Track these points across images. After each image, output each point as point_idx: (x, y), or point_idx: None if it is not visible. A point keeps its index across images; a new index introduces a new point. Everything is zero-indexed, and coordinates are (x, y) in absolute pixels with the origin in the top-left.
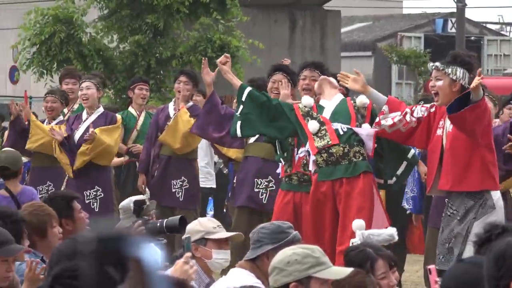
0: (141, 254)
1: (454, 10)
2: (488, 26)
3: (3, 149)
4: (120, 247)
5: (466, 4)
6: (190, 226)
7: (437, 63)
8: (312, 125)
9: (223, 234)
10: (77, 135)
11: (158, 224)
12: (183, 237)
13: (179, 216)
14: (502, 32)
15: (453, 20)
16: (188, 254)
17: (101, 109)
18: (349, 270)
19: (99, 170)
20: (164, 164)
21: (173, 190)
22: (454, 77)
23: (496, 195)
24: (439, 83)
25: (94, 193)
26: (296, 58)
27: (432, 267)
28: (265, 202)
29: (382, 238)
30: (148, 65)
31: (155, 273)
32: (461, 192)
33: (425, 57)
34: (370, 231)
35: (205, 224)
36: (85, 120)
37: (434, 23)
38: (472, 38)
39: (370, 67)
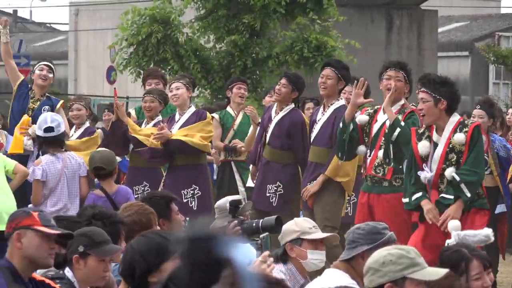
0: (235, 254)
1: None
2: None
3: (98, 149)
4: (212, 247)
5: None
6: (286, 226)
7: None
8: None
9: (319, 234)
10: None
11: (254, 224)
12: (261, 235)
13: (275, 216)
14: None
15: None
16: (266, 252)
17: (192, 109)
18: (444, 271)
19: (197, 168)
20: (262, 167)
21: (268, 195)
22: None
23: None
24: None
25: (192, 191)
26: (392, 58)
27: None
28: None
29: (477, 239)
30: (244, 65)
31: (249, 273)
32: None
33: None
34: (466, 232)
35: (301, 224)
36: (177, 121)
37: None
38: None
39: (467, 67)
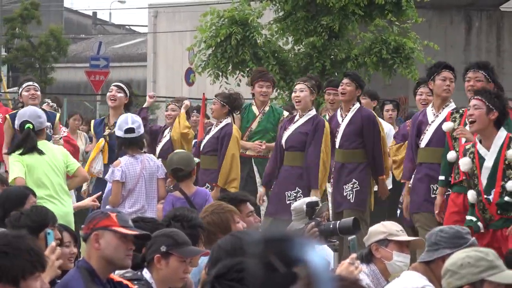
0: (310, 256)
1: None
2: None
3: (176, 151)
4: (288, 248)
5: None
6: (373, 228)
7: None
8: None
9: (406, 237)
10: (285, 136)
11: (331, 226)
12: (349, 238)
13: (352, 218)
14: None
15: None
16: (354, 255)
17: (313, 112)
18: None
19: (302, 171)
20: (336, 172)
21: (345, 194)
22: None
23: None
24: None
25: (295, 194)
26: (471, 59)
27: None
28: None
29: None
30: (323, 67)
31: (324, 275)
32: None
33: None
34: None
35: (388, 226)
36: (295, 122)
37: None
38: None
39: None
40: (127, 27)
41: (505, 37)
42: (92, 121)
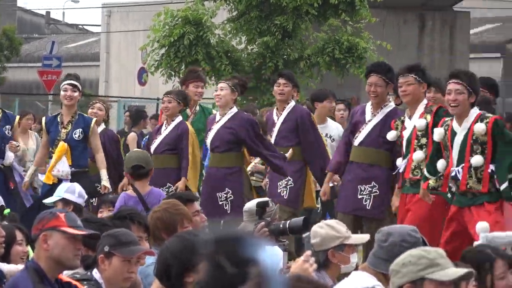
0: (261, 255)
1: None
2: None
3: (133, 150)
4: (238, 248)
5: None
6: (324, 232)
7: None
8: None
9: (356, 238)
10: (210, 136)
11: (281, 226)
12: (304, 235)
13: (302, 217)
14: None
15: None
16: (308, 252)
17: (234, 110)
18: (463, 271)
19: (231, 173)
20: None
21: (279, 190)
22: None
23: None
24: None
25: (225, 195)
26: (424, 59)
27: None
28: (368, 208)
29: (507, 241)
30: (275, 66)
31: (274, 275)
32: None
33: None
34: (495, 233)
35: (338, 229)
36: (218, 121)
37: None
38: None
39: (499, 68)
40: (80, 26)
41: (458, 37)
42: (43, 118)
